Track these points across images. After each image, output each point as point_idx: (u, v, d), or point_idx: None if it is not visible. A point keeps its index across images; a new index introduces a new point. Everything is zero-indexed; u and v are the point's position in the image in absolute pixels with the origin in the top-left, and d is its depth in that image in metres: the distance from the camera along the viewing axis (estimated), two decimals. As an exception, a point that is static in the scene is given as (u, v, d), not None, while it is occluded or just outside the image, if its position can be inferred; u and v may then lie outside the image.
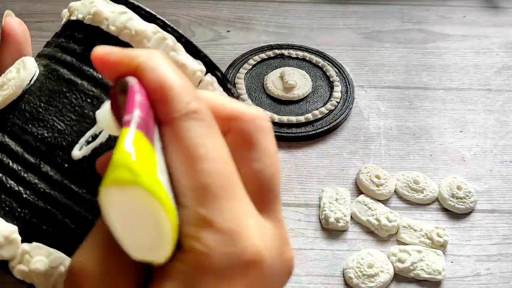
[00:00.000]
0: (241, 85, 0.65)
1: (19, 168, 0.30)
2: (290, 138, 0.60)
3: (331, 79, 0.66)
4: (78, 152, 0.31)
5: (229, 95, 0.37)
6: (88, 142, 0.31)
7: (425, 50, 0.73)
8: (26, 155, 0.31)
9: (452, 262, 0.50)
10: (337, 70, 0.68)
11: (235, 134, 0.25)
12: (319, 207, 0.54)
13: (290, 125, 0.61)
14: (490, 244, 0.52)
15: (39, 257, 0.29)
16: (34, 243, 0.30)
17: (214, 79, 0.35)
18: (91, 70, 0.33)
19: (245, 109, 0.25)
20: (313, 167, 0.58)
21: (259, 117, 0.25)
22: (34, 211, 0.30)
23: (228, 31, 0.74)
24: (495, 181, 0.57)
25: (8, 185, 0.30)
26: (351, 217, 0.53)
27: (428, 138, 0.62)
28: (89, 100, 0.32)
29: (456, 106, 0.66)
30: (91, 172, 0.31)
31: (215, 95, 0.27)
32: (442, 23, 0.77)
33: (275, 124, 0.61)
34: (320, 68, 0.68)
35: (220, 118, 0.25)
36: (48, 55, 0.35)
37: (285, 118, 0.61)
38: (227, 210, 0.22)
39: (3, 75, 0.33)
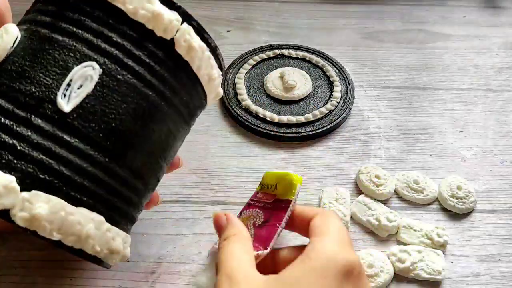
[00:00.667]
0: (241, 85, 0.65)
1: (11, 123, 0.31)
2: (290, 138, 0.60)
3: (331, 79, 0.66)
4: (66, 104, 0.32)
5: (206, 44, 0.38)
6: (65, 90, 0.32)
7: (425, 50, 0.73)
8: (17, 111, 0.32)
9: (452, 262, 0.50)
10: (337, 70, 0.68)
11: None
12: (319, 207, 0.54)
13: (290, 125, 0.61)
14: (490, 244, 0.52)
15: (40, 203, 0.30)
16: (33, 191, 0.31)
17: (190, 28, 0.37)
18: (71, 27, 0.34)
19: None
20: (313, 167, 0.58)
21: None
22: (30, 162, 0.31)
23: (228, 31, 0.74)
24: (495, 181, 0.57)
25: (2, 139, 0.31)
26: (351, 217, 0.53)
27: (428, 138, 0.62)
28: (71, 54, 0.33)
29: (456, 106, 0.66)
30: (82, 121, 0.33)
31: None
32: (442, 23, 0.77)
33: (275, 124, 0.61)
34: (320, 68, 0.68)
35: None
36: (28, 20, 0.36)
37: (285, 118, 0.61)
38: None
39: None
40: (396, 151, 0.60)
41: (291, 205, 0.43)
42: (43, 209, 0.30)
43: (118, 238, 0.35)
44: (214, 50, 0.39)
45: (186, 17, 0.37)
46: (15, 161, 0.31)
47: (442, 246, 0.50)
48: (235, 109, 0.62)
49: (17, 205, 0.30)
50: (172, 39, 0.36)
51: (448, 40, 0.74)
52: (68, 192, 0.32)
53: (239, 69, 0.67)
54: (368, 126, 0.63)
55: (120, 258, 0.36)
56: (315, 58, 0.69)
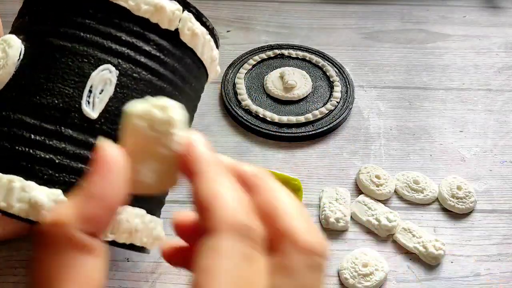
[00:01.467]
0: (241, 85, 0.65)
1: (42, 138, 0.31)
2: (290, 138, 0.60)
3: (331, 79, 0.66)
4: (92, 112, 0.32)
5: (205, 28, 0.39)
6: (88, 97, 0.32)
7: (425, 50, 0.73)
8: (45, 125, 0.32)
9: (452, 262, 0.50)
10: (337, 70, 0.68)
11: (283, 260, 0.24)
12: (319, 207, 0.54)
13: (290, 125, 0.61)
14: (490, 244, 0.52)
15: None
16: None
17: (191, 15, 0.37)
18: (78, 32, 0.33)
19: (304, 234, 0.24)
20: (313, 167, 0.58)
21: (317, 253, 0.24)
22: (71, 172, 0.31)
23: (228, 31, 0.74)
24: (495, 181, 0.57)
25: (38, 156, 0.31)
26: (351, 217, 0.53)
27: (428, 138, 0.62)
28: (85, 60, 0.33)
29: (456, 106, 0.66)
30: (110, 124, 0.33)
31: (283, 193, 0.26)
32: (442, 23, 0.77)
33: (275, 124, 0.61)
34: (320, 68, 0.68)
35: (277, 227, 0.24)
36: (26, 29, 0.35)
37: (285, 118, 0.61)
38: None
39: None
40: (396, 151, 0.60)
41: None
42: None
43: (158, 226, 0.37)
44: (212, 31, 0.40)
45: (185, 5, 0.37)
46: (56, 175, 0.31)
47: (434, 259, 0.50)
48: (235, 109, 0.62)
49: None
50: (177, 29, 0.36)
51: (448, 40, 0.74)
52: None
53: (239, 69, 0.67)
54: (368, 126, 0.63)
55: (161, 242, 0.38)
56: (315, 58, 0.69)
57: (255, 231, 0.23)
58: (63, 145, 0.31)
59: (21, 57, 0.33)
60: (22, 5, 0.37)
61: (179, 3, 0.36)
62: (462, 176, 0.57)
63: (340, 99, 0.64)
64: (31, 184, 0.30)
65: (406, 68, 0.70)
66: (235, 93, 0.64)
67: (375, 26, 0.76)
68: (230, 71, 0.67)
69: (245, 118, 0.61)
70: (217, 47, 0.42)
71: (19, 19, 0.37)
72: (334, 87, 0.65)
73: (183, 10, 0.37)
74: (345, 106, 0.63)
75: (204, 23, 0.39)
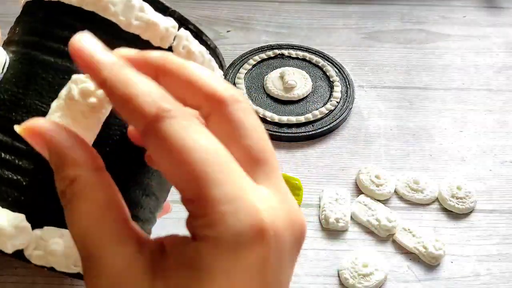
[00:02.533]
0: (241, 85, 0.65)
1: (12, 157, 0.30)
2: (290, 138, 0.60)
3: (331, 79, 0.66)
4: None
5: (206, 47, 0.36)
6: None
7: (425, 50, 0.73)
8: (17, 144, 0.30)
9: (452, 262, 0.50)
10: (337, 70, 0.68)
11: (219, 117, 0.25)
12: (319, 207, 0.54)
13: (290, 125, 0.61)
14: (490, 244, 0.52)
15: (54, 239, 0.29)
16: (45, 227, 0.29)
17: (188, 33, 0.34)
18: (62, 46, 0.32)
19: (224, 90, 0.25)
20: (313, 167, 0.58)
21: (240, 100, 0.25)
22: (38, 195, 0.29)
23: (228, 31, 0.74)
24: (495, 181, 0.57)
25: (5, 176, 0.29)
26: (351, 217, 0.53)
27: (428, 138, 0.62)
28: (66, 77, 0.31)
29: (456, 106, 0.66)
30: None
31: (193, 64, 0.26)
32: (442, 23, 0.77)
33: (275, 124, 0.61)
34: (320, 68, 0.68)
35: (199, 95, 0.25)
36: (15, 41, 0.34)
37: (285, 118, 0.61)
38: (229, 191, 0.22)
39: None
40: (396, 151, 0.60)
41: None
42: (58, 245, 0.29)
43: None
44: (214, 51, 0.38)
45: (183, 22, 0.34)
46: (22, 198, 0.29)
47: (434, 259, 0.50)
48: (235, 109, 0.62)
49: (31, 245, 0.29)
50: (170, 47, 0.34)
51: (448, 40, 0.74)
52: None
53: (239, 69, 0.67)
54: (368, 126, 0.63)
55: None
56: (315, 58, 0.69)
57: (181, 108, 0.23)
58: (32, 167, 0.29)
59: (4, 70, 0.32)
60: (18, 15, 0.36)
61: (175, 19, 0.34)
62: (462, 176, 0.57)
63: (340, 99, 0.64)
64: None
65: (406, 68, 0.70)
66: (235, 93, 0.64)
67: (375, 26, 0.76)
68: (230, 71, 0.67)
69: (245, 118, 0.61)
70: (221, 67, 0.39)
71: (12, 30, 0.35)
72: (334, 87, 0.65)
73: (179, 28, 0.34)
74: (345, 106, 0.63)
75: (204, 42, 0.36)
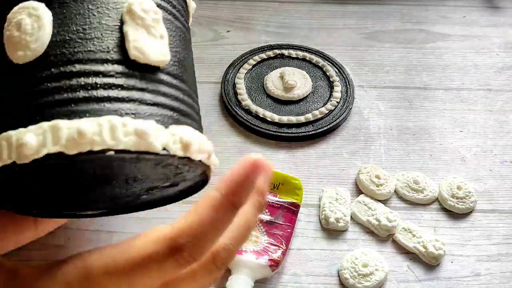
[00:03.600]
0: (241, 85, 0.65)
1: (117, 81, 0.32)
2: (290, 138, 0.60)
3: (331, 79, 0.66)
4: None
5: None
6: None
7: (425, 50, 0.73)
8: (110, 66, 0.32)
9: (452, 262, 0.50)
10: (337, 70, 0.68)
11: None
12: (319, 207, 0.54)
13: (290, 125, 0.61)
14: (490, 244, 0.52)
15: (182, 133, 0.33)
16: (170, 126, 0.32)
17: None
18: None
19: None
20: (313, 167, 0.58)
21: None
22: (155, 105, 0.32)
23: (228, 31, 0.74)
24: (495, 181, 0.57)
25: (122, 97, 0.31)
26: (351, 217, 0.53)
27: (428, 138, 0.62)
28: (118, 6, 0.33)
29: (456, 106, 0.66)
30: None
31: None
32: (442, 23, 0.77)
33: (275, 124, 0.61)
34: (320, 68, 0.68)
35: None
36: None
37: (285, 118, 0.61)
38: None
39: (8, 25, 0.32)
40: (396, 151, 0.60)
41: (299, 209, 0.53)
42: (188, 137, 0.33)
43: (207, 141, 0.38)
44: None
45: None
46: (145, 108, 0.32)
47: (434, 259, 0.50)
48: (235, 109, 0.62)
49: (170, 141, 0.32)
50: None
51: (448, 40, 0.74)
52: (184, 120, 0.34)
53: (239, 69, 0.67)
54: (368, 126, 0.63)
55: (215, 165, 0.40)
56: (315, 58, 0.69)
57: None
58: (133, 83, 0.32)
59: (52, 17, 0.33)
60: None
61: None
62: (462, 176, 0.57)
63: (340, 99, 0.64)
64: (128, 119, 0.30)
65: (406, 68, 0.70)
66: (235, 93, 0.64)
67: (375, 26, 0.76)
68: (230, 71, 0.67)
69: (245, 118, 0.61)
70: None
71: None
72: (334, 87, 0.65)
73: None
74: (345, 106, 0.63)
75: None
